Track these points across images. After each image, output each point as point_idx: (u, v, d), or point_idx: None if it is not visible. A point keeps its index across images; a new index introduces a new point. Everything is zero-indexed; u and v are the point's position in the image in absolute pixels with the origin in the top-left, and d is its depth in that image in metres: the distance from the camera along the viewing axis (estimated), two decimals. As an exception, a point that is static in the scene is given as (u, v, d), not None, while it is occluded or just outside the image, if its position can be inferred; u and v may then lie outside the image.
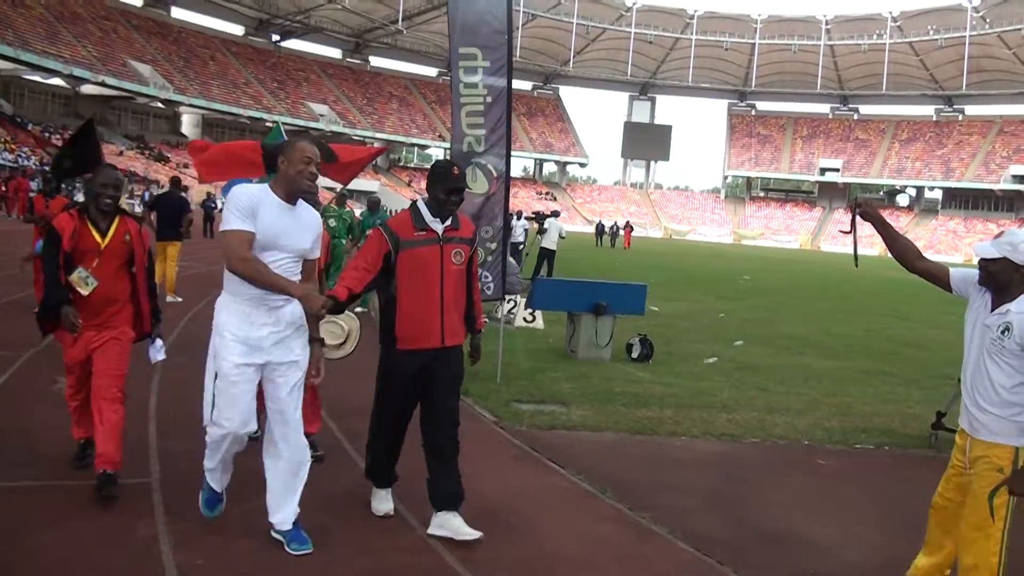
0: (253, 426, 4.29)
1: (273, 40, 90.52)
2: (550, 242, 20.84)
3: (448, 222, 4.66)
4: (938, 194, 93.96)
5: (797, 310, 19.27)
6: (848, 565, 4.84)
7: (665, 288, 22.15)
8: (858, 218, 4.45)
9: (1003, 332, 3.78)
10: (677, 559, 4.72)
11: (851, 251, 5.05)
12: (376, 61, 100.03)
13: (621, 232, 55.47)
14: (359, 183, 76.20)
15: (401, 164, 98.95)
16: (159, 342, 5.23)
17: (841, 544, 5.15)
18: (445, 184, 4.58)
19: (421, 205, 4.69)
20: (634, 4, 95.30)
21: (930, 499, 6.08)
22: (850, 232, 4.64)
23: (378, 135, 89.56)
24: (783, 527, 5.35)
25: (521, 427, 7.22)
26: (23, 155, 45.66)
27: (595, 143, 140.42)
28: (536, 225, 22.01)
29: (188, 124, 78.89)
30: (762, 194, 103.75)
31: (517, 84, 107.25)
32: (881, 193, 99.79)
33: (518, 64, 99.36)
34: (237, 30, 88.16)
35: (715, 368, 10.69)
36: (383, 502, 4.97)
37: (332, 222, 13.59)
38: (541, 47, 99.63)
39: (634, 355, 10.70)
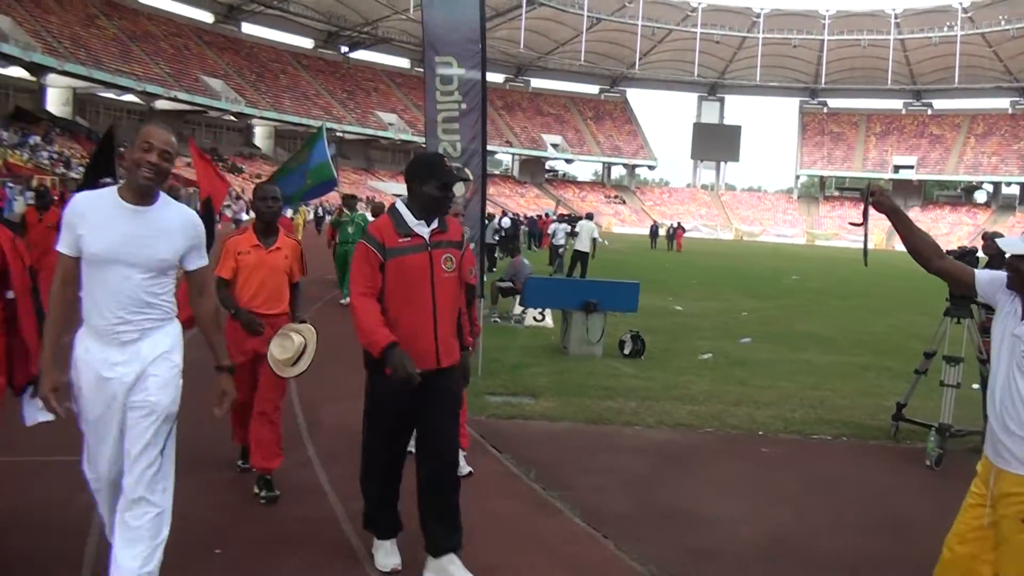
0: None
1: (342, 52, 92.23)
2: (582, 244, 21.22)
3: (434, 224, 4.10)
4: (1015, 189, 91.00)
5: (829, 307, 19.22)
6: (735, 540, 5.06)
7: (700, 288, 22.30)
8: (870, 209, 3.96)
9: None
10: (566, 533, 5.01)
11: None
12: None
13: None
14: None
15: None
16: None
17: (740, 521, 5.36)
18: (441, 177, 4.05)
19: (401, 207, 4.12)
20: (699, 4, 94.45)
21: (868, 482, 6.29)
22: (861, 224, 4.17)
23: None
24: (688, 506, 5.59)
25: (480, 416, 7.54)
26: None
27: (664, 145, 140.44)
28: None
29: (261, 136, 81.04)
30: (836, 193, 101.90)
31: (584, 88, 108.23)
32: (959, 190, 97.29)
33: (583, 68, 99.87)
34: (307, 43, 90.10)
35: (705, 364, 10.87)
36: (388, 555, 4.32)
37: (350, 229, 14.11)
38: (607, 50, 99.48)
39: (626, 351, 10.95)
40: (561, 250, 22.77)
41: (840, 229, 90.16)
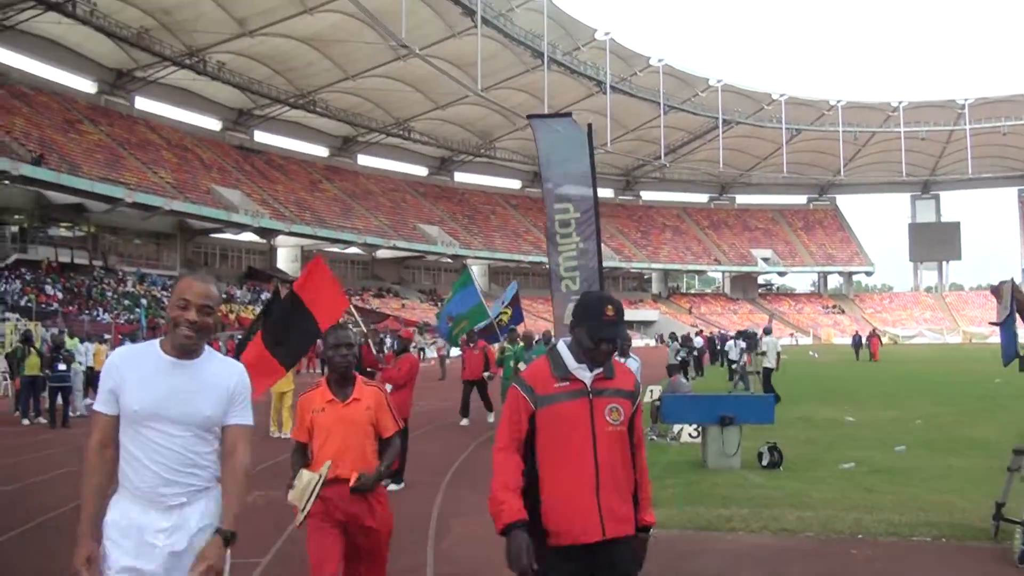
0: None
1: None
2: (768, 361, 21.50)
3: (600, 369, 3.54)
4: None
5: (1011, 412, 18.44)
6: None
7: (884, 398, 21.99)
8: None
9: None
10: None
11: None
12: (646, 195, 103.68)
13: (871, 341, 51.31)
14: (637, 313, 78.94)
15: (680, 291, 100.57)
16: None
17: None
18: (594, 330, 3.48)
19: (563, 348, 3.61)
20: (900, 103, 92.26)
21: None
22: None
23: (654, 265, 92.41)
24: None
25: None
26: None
27: (881, 249, 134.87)
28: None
29: (476, 274, 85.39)
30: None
31: (790, 199, 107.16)
32: None
33: (788, 179, 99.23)
34: (514, 184, 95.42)
35: (843, 473, 11.06)
36: None
37: (512, 363, 15.35)
38: (811, 159, 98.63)
39: (763, 463, 11.41)
40: (735, 366, 23.12)
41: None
